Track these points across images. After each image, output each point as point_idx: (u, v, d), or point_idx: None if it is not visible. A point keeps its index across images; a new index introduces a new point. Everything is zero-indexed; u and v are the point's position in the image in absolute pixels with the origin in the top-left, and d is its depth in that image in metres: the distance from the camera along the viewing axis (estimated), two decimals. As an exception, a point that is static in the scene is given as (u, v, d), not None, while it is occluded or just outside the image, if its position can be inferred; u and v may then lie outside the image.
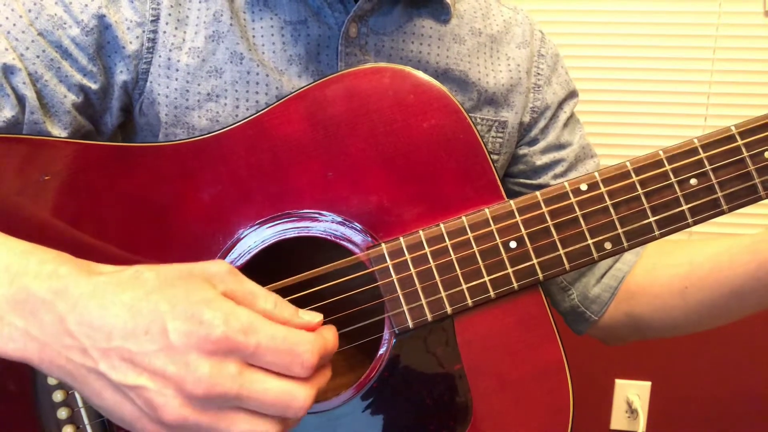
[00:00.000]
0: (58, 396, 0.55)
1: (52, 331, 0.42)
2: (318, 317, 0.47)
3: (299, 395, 0.43)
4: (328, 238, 0.58)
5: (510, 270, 0.57)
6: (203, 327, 0.41)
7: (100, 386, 0.42)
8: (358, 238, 0.57)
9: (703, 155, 0.56)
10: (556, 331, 0.58)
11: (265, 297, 0.45)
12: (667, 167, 0.57)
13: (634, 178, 0.57)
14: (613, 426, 1.80)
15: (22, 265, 0.44)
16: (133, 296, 0.42)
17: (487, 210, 0.57)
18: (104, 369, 0.41)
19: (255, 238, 0.57)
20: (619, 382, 1.77)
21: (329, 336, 0.47)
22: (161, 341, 0.40)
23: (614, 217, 0.57)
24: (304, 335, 0.44)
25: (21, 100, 0.61)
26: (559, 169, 0.78)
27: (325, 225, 0.58)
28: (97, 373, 0.41)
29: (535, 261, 0.57)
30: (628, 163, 0.57)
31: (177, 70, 0.65)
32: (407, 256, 0.56)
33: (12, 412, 0.56)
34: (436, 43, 0.72)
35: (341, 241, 0.57)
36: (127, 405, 0.42)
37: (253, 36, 0.67)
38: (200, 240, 0.57)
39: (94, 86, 0.64)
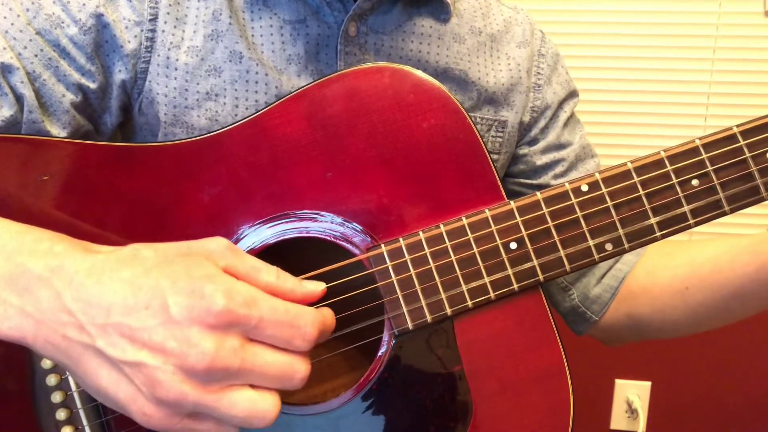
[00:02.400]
0: (56, 397, 0.54)
1: (49, 307, 0.41)
2: (321, 285, 0.47)
3: (300, 367, 0.43)
4: (328, 238, 0.57)
5: (510, 271, 0.56)
6: (205, 301, 0.40)
7: (96, 365, 0.41)
8: (357, 238, 0.57)
9: (704, 155, 0.56)
10: (556, 332, 0.58)
11: (267, 270, 0.45)
12: (669, 168, 0.56)
13: (636, 179, 0.57)
14: (613, 426, 1.80)
15: (18, 243, 0.43)
16: (133, 273, 0.41)
17: (487, 210, 0.57)
18: (102, 345, 0.40)
19: (254, 239, 0.57)
20: (619, 382, 1.77)
21: (327, 314, 0.46)
22: (162, 316, 0.40)
23: (615, 218, 0.57)
24: (304, 309, 0.44)
25: (19, 99, 0.60)
26: (559, 169, 0.78)
27: (325, 225, 0.57)
28: (94, 349, 0.40)
29: (535, 262, 0.57)
30: (629, 164, 0.57)
31: (176, 69, 0.65)
32: (407, 257, 0.56)
33: (10, 413, 0.56)
34: (436, 42, 0.72)
35: (341, 242, 0.57)
36: (123, 384, 0.40)
37: (253, 35, 0.67)
38: (199, 240, 0.57)
39: (92, 85, 0.63)
